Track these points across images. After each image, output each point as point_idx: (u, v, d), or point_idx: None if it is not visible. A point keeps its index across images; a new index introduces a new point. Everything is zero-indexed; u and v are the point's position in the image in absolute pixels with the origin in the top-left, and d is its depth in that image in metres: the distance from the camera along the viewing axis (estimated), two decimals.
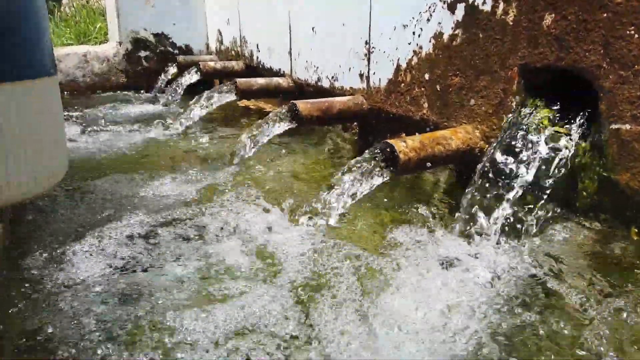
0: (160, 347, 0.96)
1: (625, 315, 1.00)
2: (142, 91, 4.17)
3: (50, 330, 1.02)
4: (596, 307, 1.03)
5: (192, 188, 1.83)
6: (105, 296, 1.14)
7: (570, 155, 1.28)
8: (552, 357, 0.92)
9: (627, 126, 1.17)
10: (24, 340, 1.00)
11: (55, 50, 4.14)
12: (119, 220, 1.53)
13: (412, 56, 1.82)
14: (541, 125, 1.33)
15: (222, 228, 1.47)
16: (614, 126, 1.20)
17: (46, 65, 1.31)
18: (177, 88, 3.51)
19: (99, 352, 0.95)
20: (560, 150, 1.27)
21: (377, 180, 1.37)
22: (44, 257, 1.32)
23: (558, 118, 1.32)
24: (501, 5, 1.42)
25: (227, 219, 1.53)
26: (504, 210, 1.22)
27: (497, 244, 1.24)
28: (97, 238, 1.41)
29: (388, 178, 1.40)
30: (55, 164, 1.37)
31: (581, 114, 1.30)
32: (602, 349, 0.92)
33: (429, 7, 1.69)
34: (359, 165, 1.38)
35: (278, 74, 3.04)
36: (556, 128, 1.30)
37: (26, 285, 1.19)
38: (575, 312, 1.03)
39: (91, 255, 1.33)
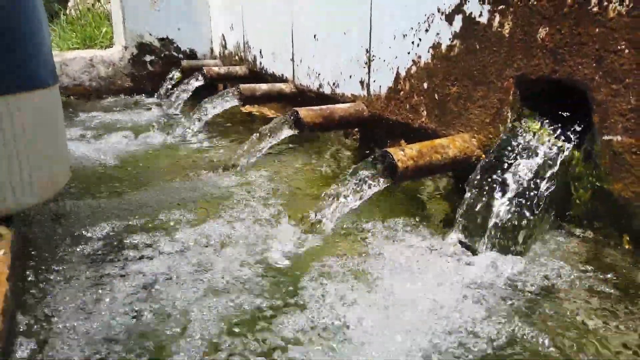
0: None
1: (616, 322, 1.03)
2: (146, 95, 4.22)
3: None
4: (590, 311, 1.06)
5: (194, 193, 1.87)
6: None
7: (564, 164, 1.31)
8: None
9: (619, 137, 1.20)
10: None
11: (62, 54, 4.21)
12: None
13: (411, 65, 1.85)
14: (536, 135, 1.36)
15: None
16: (606, 137, 1.23)
17: (46, 77, 1.34)
18: (181, 92, 3.56)
19: None
20: (554, 160, 1.30)
21: (375, 189, 1.40)
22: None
23: (553, 128, 1.35)
24: (497, 18, 1.45)
25: (226, 226, 1.57)
26: (497, 220, 1.25)
27: (490, 251, 1.27)
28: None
29: (386, 186, 1.43)
30: (57, 172, 1.41)
31: (575, 124, 1.33)
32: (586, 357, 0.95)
33: (428, 18, 1.72)
34: (356, 173, 1.41)
35: (281, 79, 3.07)
36: (550, 138, 1.33)
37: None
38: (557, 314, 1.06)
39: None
